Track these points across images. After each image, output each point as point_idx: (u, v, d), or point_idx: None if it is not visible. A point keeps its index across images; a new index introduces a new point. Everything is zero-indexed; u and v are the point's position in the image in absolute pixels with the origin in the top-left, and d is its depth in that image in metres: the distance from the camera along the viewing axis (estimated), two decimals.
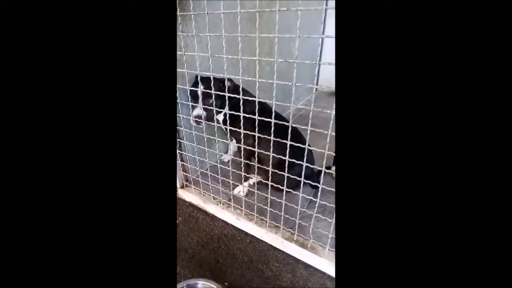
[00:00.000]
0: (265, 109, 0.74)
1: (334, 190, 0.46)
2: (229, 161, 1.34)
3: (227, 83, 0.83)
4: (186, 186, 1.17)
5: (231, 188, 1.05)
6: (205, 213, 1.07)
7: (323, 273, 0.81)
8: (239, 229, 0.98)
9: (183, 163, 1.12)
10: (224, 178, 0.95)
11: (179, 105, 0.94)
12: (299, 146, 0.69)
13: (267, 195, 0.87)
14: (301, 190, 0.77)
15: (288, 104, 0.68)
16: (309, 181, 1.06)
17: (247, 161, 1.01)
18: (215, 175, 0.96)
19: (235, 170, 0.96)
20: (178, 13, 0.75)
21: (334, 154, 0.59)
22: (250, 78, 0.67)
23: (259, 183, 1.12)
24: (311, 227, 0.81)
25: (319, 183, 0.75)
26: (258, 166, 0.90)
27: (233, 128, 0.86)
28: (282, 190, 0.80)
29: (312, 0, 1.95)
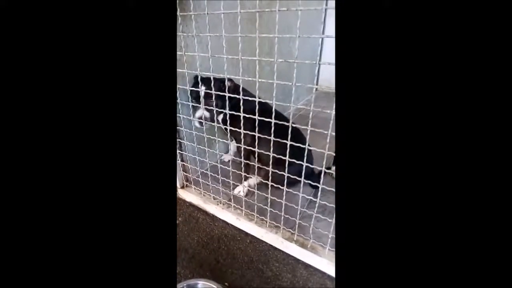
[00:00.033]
0: (265, 108, 0.74)
1: (334, 190, 0.46)
2: (229, 161, 1.34)
3: (227, 83, 0.83)
4: (187, 186, 1.17)
5: (231, 188, 1.05)
6: (205, 213, 1.07)
7: (323, 273, 0.81)
8: (239, 229, 0.98)
9: (184, 163, 1.12)
10: (224, 178, 0.95)
11: (179, 105, 0.94)
12: (296, 140, 0.69)
13: (267, 195, 0.87)
14: (301, 190, 0.77)
15: (288, 104, 0.68)
16: (309, 181, 1.07)
17: (247, 161, 1.02)
18: (215, 175, 0.96)
19: (235, 170, 0.96)
20: (178, 13, 0.76)
21: (334, 154, 0.59)
22: (250, 78, 0.67)
23: (259, 183, 1.12)
24: (311, 227, 0.81)
25: (319, 183, 0.75)
26: (258, 166, 0.90)
27: (233, 128, 0.86)
28: (282, 187, 0.80)
29: (312, 0, 1.95)
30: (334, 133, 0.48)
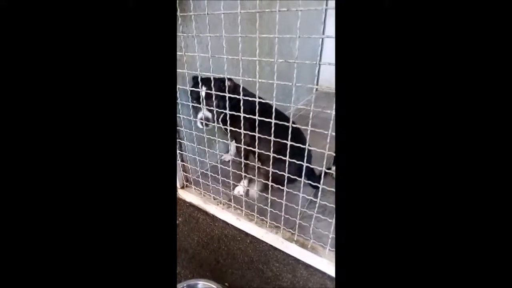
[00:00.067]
0: (265, 108, 0.74)
1: (334, 190, 0.46)
2: (229, 161, 1.34)
3: (227, 83, 0.83)
4: (187, 186, 1.17)
5: (231, 188, 1.05)
6: (206, 213, 1.07)
7: (324, 273, 0.81)
8: (239, 229, 0.98)
9: (184, 163, 1.12)
10: (225, 179, 0.95)
11: (180, 105, 0.94)
12: (296, 139, 0.69)
13: (267, 195, 0.87)
14: (301, 190, 0.77)
15: (288, 104, 0.68)
16: (309, 181, 1.07)
17: (247, 161, 1.01)
18: (216, 175, 0.96)
19: (236, 171, 0.96)
20: (178, 13, 0.76)
21: (334, 154, 0.59)
22: (250, 79, 0.67)
23: (260, 190, 1.12)
24: (312, 227, 0.81)
25: (319, 183, 0.75)
26: (258, 166, 0.90)
27: (233, 129, 0.87)
28: (282, 187, 0.80)
29: (312, 0, 1.95)
30: (334, 133, 0.48)
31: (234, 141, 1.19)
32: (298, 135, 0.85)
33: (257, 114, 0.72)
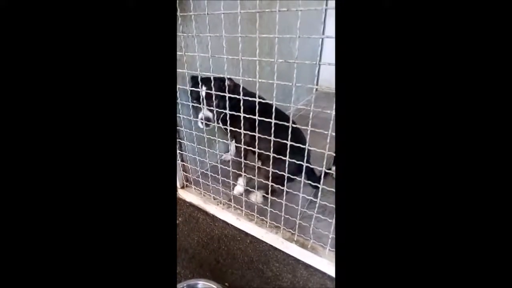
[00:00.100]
0: (265, 107, 0.74)
1: (334, 190, 0.46)
2: (229, 160, 1.34)
3: (227, 82, 0.83)
4: (187, 186, 1.17)
5: (231, 188, 1.05)
6: (206, 213, 1.07)
7: (324, 273, 0.81)
8: (239, 229, 0.98)
9: (184, 163, 1.12)
10: (225, 179, 0.95)
11: (179, 105, 0.94)
12: (295, 137, 0.69)
13: (267, 195, 0.87)
14: (301, 190, 0.77)
15: (288, 105, 0.68)
16: (309, 182, 1.07)
17: (246, 161, 1.01)
18: (216, 175, 0.96)
19: (236, 171, 0.96)
20: (178, 13, 0.76)
21: (334, 154, 0.59)
22: (250, 79, 0.67)
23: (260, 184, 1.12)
24: (312, 227, 0.81)
25: (319, 183, 0.75)
26: (258, 166, 0.90)
27: (233, 129, 0.86)
28: (282, 187, 0.80)
29: (312, 0, 1.95)
30: (334, 133, 0.48)
31: (234, 140, 1.19)
32: (297, 134, 0.85)
33: (257, 114, 0.72)
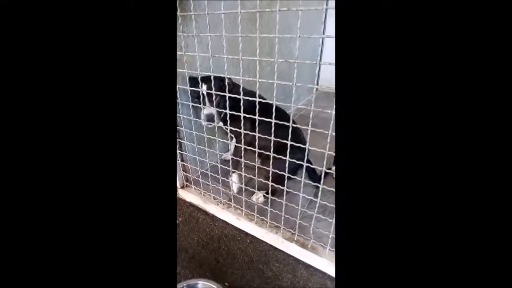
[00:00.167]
0: (265, 107, 0.74)
1: (334, 190, 0.46)
2: (229, 160, 1.33)
3: (227, 81, 0.83)
4: (187, 186, 1.17)
5: (231, 188, 1.05)
6: (206, 213, 1.07)
7: (324, 273, 0.81)
8: (239, 229, 0.98)
9: (184, 163, 1.12)
10: (225, 178, 0.95)
11: (179, 105, 0.94)
12: (293, 135, 0.69)
13: (267, 195, 0.87)
14: (301, 190, 0.77)
15: (289, 104, 0.68)
16: (309, 181, 1.07)
17: (242, 159, 1.01)
18: (216, 175, 0.96)
19: (235, 171, 0.96)
20: (178, 13, 0.76)
21: (334, 154, 0.59)
22: (250, 78, 0.67)
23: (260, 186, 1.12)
24: (312, 227, 0.81)
25: (319, 183, 0.75)
26: (258, 166, 0.90)
27: (233, 128, 0.86)
28: (282, 187, 0.80)
29: (313, 0, 1.95)
30: (334, 133, 0.48)
31: (234, 140, 1.19)
32: (296, 132, 0.85)
33: (257, 114, 0.72)
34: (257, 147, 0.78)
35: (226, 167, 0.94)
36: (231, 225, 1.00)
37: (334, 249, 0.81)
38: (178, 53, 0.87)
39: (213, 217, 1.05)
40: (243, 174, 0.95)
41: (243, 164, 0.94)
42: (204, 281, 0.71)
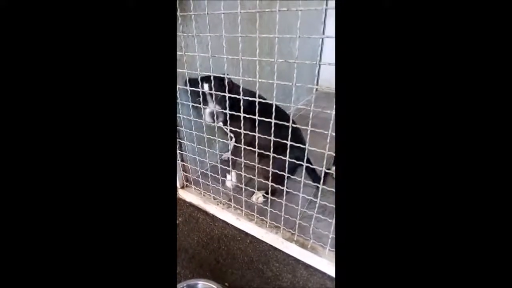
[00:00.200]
0: (265, 107, 0.74)
1: (334, 190, 0.46)
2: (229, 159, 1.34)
3: (226, 81, 0.83)
4: (187, 186, 1.17)
5: (231, 187, 1.04)
6: (206, 213, 1.07)
7: (323, 273, 0.81)
8: (239, 229, 0.98)
9: (184, 163, 1.12)
10: (224, 178, 0.95)
11: (179, 105, 0.94)
12: (293, 134, 0.70)
13: (267, 195, 0.87)
14: (301, 190, 0.77)
15: (289, 104, 0.68)
16: (309, 182, 1.07)
17: (241, 158, 1.02)
18: (216, 175, 0.96)
19: (236, 171, 0.96)
20: (178, 13, 0.76)
21: (334, 154, 0.59)
22: (250, 78, 0.67)
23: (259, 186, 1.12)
24: (312, 227, 0.81)
25: (319, 183, 0.75)
26: (258, 167, 0.90)
27: (233, 128, 0.86)
28: (282, 187, 0.80)
29: (312, 0, 1.95)
30: (334, 133, 0.48)
31: (234, 139, 1.19)
32: (296, 132, 0.85)
33: (257, 114, 0.72)
34: (257, 147, 0.78)
35: (226, 167, 0.94)
36: (231, 225, 1.00)
37: (334, 249, 0.81)
38: (178, 53, 0.87)
39: (213, 217, 1.05)
40: (243, 174, 0.95)
41: (242, 164, 0.95)
42: (204, 281, 0.71)
